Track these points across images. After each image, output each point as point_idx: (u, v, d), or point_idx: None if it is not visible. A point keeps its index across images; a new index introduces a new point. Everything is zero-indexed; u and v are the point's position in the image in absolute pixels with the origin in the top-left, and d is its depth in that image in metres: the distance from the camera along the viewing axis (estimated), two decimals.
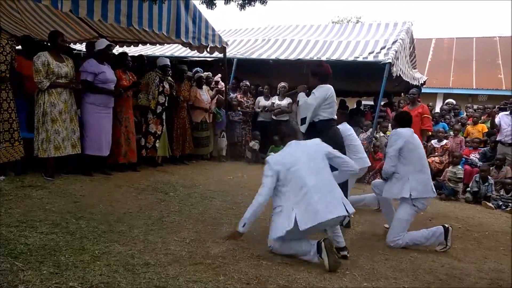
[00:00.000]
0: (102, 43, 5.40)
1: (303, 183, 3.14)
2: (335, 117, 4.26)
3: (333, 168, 3.47)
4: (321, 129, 4.05)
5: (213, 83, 8.41)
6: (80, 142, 5.01)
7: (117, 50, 8.04)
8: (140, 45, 8.25)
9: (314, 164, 3.25)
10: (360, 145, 5.00)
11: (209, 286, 2.49)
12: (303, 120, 4.15)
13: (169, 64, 6.47)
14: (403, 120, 4.13)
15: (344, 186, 4.06)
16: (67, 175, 4.95)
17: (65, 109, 4.79)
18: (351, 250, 3.47)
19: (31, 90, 4.82)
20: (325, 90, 4.11)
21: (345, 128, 4.73)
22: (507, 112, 6.94)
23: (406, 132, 3.98)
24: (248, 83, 8.69)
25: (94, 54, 5.36)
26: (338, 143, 4.03)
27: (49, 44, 5.02)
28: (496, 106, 7.73)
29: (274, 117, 8.34)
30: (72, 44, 8.17)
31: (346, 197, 4.08)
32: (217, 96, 7.76)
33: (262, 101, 8.50)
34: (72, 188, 4.45)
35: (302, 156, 3.27)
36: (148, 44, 8.20)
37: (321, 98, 4.06)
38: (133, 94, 5.90)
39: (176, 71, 6.87)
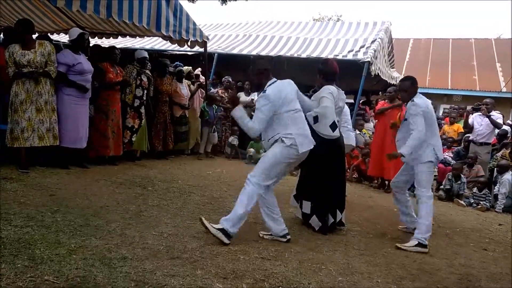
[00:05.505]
0: (74, 32, 5.28)
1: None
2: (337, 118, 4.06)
3: None
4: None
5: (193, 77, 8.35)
6: (49, 134, 4.80)
7: (95, 41, 7.90)
8: (119, 37, 8.11)
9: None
10: None
11: (187, 280, 2.51)
12: (334, 124, 3.90)
13: (147, 57, 6.38)
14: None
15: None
16: (43, 168, 4.85)
17: (27, 98, 4.61)
18: (326, 246, 3.54)
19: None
20: (329, 93, 3.86)
21: None
22: (481, 113, 7.15)
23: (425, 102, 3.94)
24: (230, 79, 8.67)
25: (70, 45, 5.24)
26: (340, 145, 4.06)
27: None
28: (470, 107, 7.96)
29: (252, 113, 8.35)
30: (49, 34, 7.96)
31: (344, 205, 4.13)
32: (199, 91, 7.69)
33: (242, 97, 8.49)
34: (47, 181, 4.37)
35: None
36: (128, 36, 8.07)
37: (332, 101, 3.84)
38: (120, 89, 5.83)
39: (158, 65, 6.79)
